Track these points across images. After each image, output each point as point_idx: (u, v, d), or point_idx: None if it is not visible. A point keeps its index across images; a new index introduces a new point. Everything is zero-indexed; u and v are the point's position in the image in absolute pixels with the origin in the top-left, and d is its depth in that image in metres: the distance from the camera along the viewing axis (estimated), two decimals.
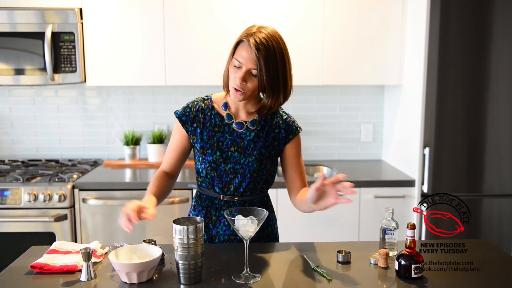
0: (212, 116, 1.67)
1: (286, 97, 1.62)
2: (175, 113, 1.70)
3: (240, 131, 1.66)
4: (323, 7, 2.91)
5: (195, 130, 1.67)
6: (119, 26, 2.90)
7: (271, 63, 1.51)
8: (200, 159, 1.68)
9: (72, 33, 2.84)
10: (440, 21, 2.56)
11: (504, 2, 2.57)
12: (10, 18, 2.82)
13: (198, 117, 1.67)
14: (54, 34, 2.82)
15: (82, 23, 2.88)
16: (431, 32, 2.59)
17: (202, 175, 1.70)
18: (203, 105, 1.69)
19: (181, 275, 1.35)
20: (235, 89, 1.55)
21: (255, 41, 1.50)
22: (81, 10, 2.87)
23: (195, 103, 1.70)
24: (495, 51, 2.60)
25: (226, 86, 1.64)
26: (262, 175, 1.68)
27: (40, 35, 2.81)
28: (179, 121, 1.68)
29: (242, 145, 1.65)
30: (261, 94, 1.66)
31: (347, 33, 2.94)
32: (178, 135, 1.71)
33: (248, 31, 1.55)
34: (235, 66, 1.54)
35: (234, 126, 1.66)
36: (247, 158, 1.65)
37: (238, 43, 1.55)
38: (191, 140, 1.69)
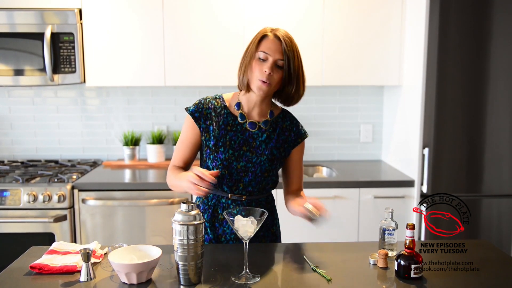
0: (225, 115, 1.69)
1: (303, 91, 1.70)
2: (187, 109, 1.70)
3: (253, 131, 1.69)
4: (323, 7, 2.91)
5: (207, 128, 1.69)
6: (119, 27, 2.90)
7: (295, 54, 1.61)
8: (211, 157, 1.68)
9: (71, 34, 2.84)
10: (440, 21, 2.56)
11: (503, 2, 2.57)
12: (9, 18, 2.82)
13: (210, 115, 1.69)
14: (54, 35, 2.82)
15: (81, 24, 2.88)
16: (430, 32, 2.59)
17: None
18: (215, 103, 1.70)
19: (181, 276, 1.35)
20: (262, 81, 1.58)
21: (281, 34, 1.60)
22: (80, 10, 2.87)
23: (207, 100, 1.71)
24: (495, 51, 2.60)
25: (242, 84, 1.65)
26: (272, 176, 1.72)
27: (39, 36, 2.81)
28: (192, 118, 1.69)
29: (254, 145, 1.68)
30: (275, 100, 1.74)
31: (347, 34, 2.94)
32: (190, 131, 1.70)
33: (264, 29, 1.63)
34: (259, 59, 1.59)
35: (247, 125, 1.69)
36: (259, 157, 1.68)
37: (261, 39, 1.61)
38: (203, 137, 1.70)
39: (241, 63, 1.65)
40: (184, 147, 1.72)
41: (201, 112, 1.69)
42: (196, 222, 1.33)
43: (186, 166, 1.75)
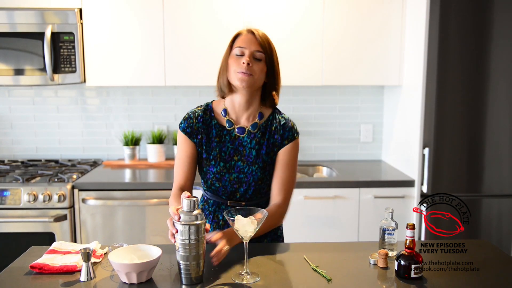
0: (213, 126, 1.66)
1: (280, 87, 1.69)
2: (179, 126, 1.68)
3: (242, 135, 1.66)
4: (323, 7, 2.91)
5: (201, 141, 1.66)
6: (119, 26, 2.90)
7: (271, 46, 1.62)
8: (205, 169, 1.68)
9: (71, 34, 2.84)
10: (440, 21, 2.56)
11: (504, 2, 2.57)
12: (9, 18, 2.82)
13: (201, 128, 1.66)
14: (54, 35, 2.82)
15: (81, 24, 2.88)
16: (430, 32, 2.59)
17: (207, 184, 1.70)
18: (204, 115, 1.68)
19: (182, 275, 1.35)
20: (243, 72, 1.56)
21: (254, 29, 1.63)
22: (80, 10, 2.87)
23: (196, 113, 1.68)
24: (495, 51, 2.60)
25: (224, 86, 1.64)
26: (266, 181, 1.69)
27: (39, 36, 2.81)
28: (185, 134, 1.66)
29: (244, 153, 1.65)
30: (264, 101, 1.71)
31: (347, 33, 2.94)
32: (185, 145, 1.67)
33: (239, 30, 1.66)
34: (236, 55, 1.60)
35: (236, 131, 1.66)
36: (250, 167, 1.65)
37: (234, 38, 1.64)
38: (199, 150, 1.67)
39: (219, 69, 1.68)
40: (184, 164, 1.66)
41: (192, 128, 1.66)
42: (198, 222, 1.33)
43: (189, 184, 1.68)
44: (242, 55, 1.59)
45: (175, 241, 1.34)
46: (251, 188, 1.67)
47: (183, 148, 1.67)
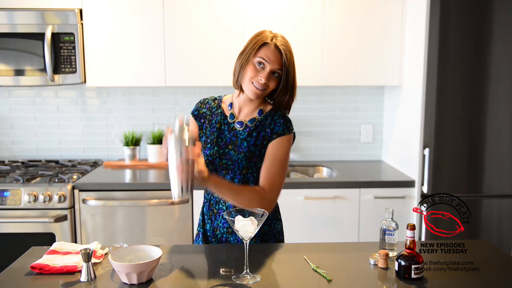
0: (218, 115, 1.77)
1: (291, 103, 1.76)
2: (192, 110, 1.83)
3: (239, 129, 1.73)
4: (323, 7, 2.91)
5: (202, 125, 1.78)
6: (119, 27, 2.90)
7: (293, 65, 1.67)
8: (202, 152, 1.75)
9: (72, 34, 2.84)
10: (440, 21, 2.56)
11: (503, 3, 2.57)
12: (10, 19, 2.82)
13: (205, 114, 1.80)
14: (54, 35, 2.82)
15: (82, 24, 2.88)
16: (430, 32, 2.59)
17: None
18: (212, 103, 1.81)
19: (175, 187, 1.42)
20: (256, 87, 1.63)
21: (282, 45, 1.63)
22: (81, 11, 2.87)
23: (206, 100, 1.83)
24: (495, 52, 2.60)
25: (236, 85, 1.71)
26: (252, 173, 1.71)
27: (40, 36, 2.81)
28: (192, 116, 1.82)
29: (237, 143, 1.72)
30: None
31: (347, 34, 2.94)
32: (192, 126, 1.81)
33: (264, 35, 1.66)
34: (257, 65, 1.63)
35: (236, 125, 1.74)
36: (238, 155, 1.70)
37: (261, 45, 1.63)
38: (200, 134, 1.78)
39: (237, 63, 1.70)
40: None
41: (199, 111, 1.81)
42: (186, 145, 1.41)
43: None
44: (262, 67, 1.63)
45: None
46: (237, 176, 1.71)
47: (190, 127, 1.82)
